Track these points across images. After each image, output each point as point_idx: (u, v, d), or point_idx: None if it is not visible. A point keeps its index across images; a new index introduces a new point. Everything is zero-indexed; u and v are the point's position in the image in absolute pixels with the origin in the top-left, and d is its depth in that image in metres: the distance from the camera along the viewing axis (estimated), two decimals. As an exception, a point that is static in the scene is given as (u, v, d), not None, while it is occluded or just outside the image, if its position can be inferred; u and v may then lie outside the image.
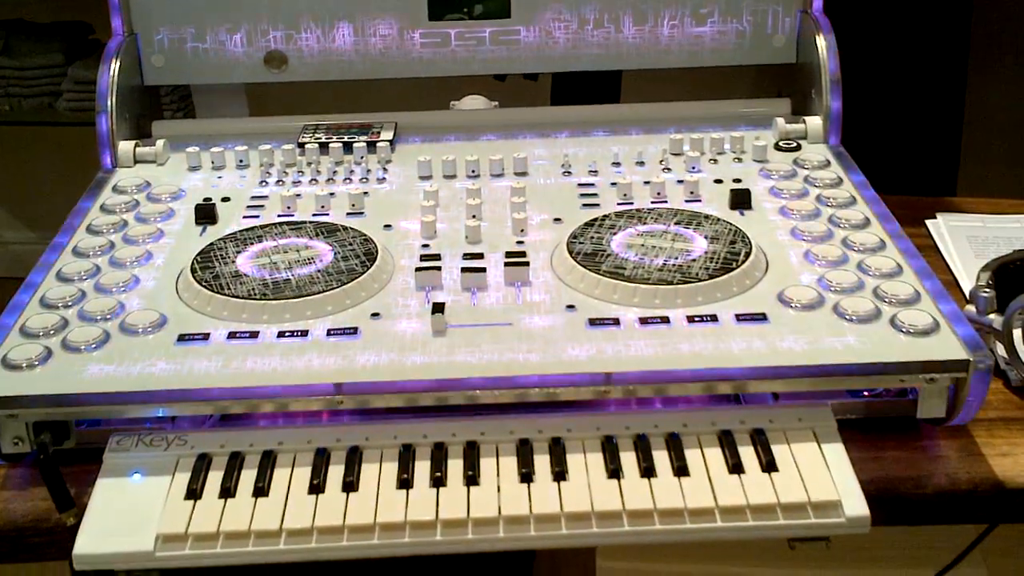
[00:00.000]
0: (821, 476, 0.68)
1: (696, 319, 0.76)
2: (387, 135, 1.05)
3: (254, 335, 0.76)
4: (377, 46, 1.10)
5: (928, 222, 1.06)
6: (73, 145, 2.63)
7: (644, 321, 0.76)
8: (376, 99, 1.23)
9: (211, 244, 0.87)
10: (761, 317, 0.76)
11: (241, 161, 1.02)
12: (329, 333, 0.76)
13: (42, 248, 0.88)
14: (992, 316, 0.82)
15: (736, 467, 0.69)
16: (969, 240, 1.02)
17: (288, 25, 1.09)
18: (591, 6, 1.09)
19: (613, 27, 1.09)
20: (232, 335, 0.76)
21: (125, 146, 1.03)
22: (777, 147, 1.01)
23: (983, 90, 2.16)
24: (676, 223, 0.87)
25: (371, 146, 1.04)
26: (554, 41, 1.10)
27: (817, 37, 1.04)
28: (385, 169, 1.01)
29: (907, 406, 0.76)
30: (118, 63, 1.04)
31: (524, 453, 0.71)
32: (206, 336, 0.76)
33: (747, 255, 0.81)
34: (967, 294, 0.88)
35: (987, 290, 0.83)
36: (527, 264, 0.82)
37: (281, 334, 0.76)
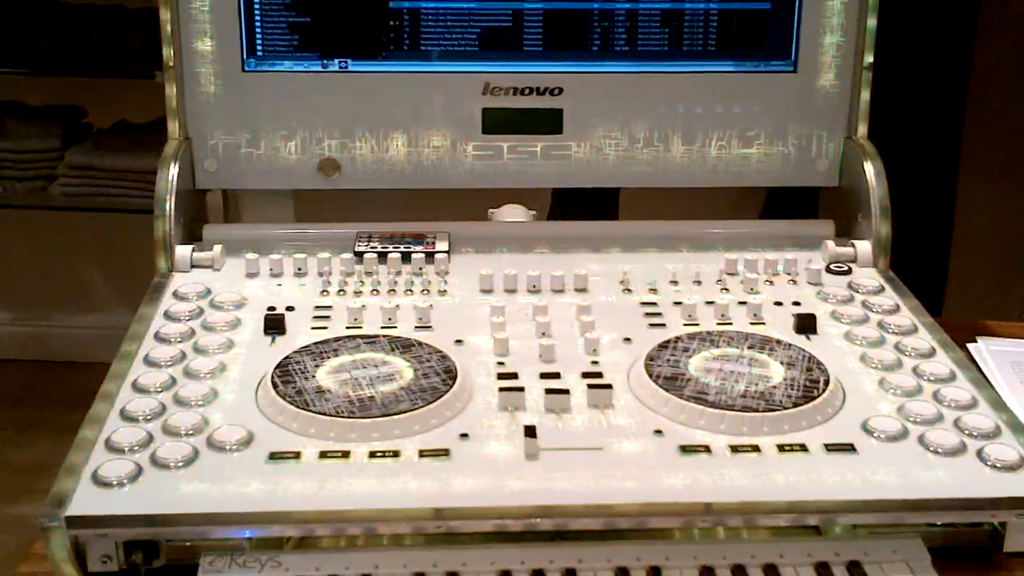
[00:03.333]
0: (923, 611, 0.69)
1: (786, 448, 0.77)
2: (442, 245, 1.06)
3: (346, 455, 0.76)
4: (430, 157, 1.11)
5: (970, 346, 1.08)
6: (65, 230, 2.63)
7: (735, 449, 0.77)
8: (416, 205, 1.25)
9: (287, 357, 0.86)
10: (850, 448, 0.77)
11: (299, 269, 1.02)
12: (421, 454, 0.76)
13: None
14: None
15: (838, 601, 0.70)
16: (1013, 366, 1.04)
17: (343, 133, 1.10)
18: (641, 125, 1.11)
19: (662, 146, 1.12)
20: (323, 454, 0.76)
21: (182, 251, 1.03)
22: (828, 270, 1.03)
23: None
24: (749, 347, 0.88)
25: (429, 256, 1.04)
26: (604, 157, 1.12)
27: (865, 163, 1.07)
28: (445, 280, 1.02)
29: (983, 536, 0.78)
30: (176, 168, 1.05)
31: (624, 582, 0.71)
32: (297, 455, 0.76)
33: (826, 383, 0.83)
34: (1024, 422, 0.90)
35: (1052, 421, 0.85)
36: (610, 387, 0.83)
37: (373, 454, 0.76)
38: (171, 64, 1.07)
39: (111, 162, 2.24)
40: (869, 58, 1.09)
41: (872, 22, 1.08)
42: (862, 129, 1.10)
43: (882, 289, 1.00)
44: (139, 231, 2.38)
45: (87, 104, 2.48)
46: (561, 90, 1.11)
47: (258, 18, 1.08)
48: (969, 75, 2.10)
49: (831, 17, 1.10)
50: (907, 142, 1.95)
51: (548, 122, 1.11)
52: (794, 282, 1.02)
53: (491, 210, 1.18)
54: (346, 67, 1.10)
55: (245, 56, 1.09)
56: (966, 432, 0.79)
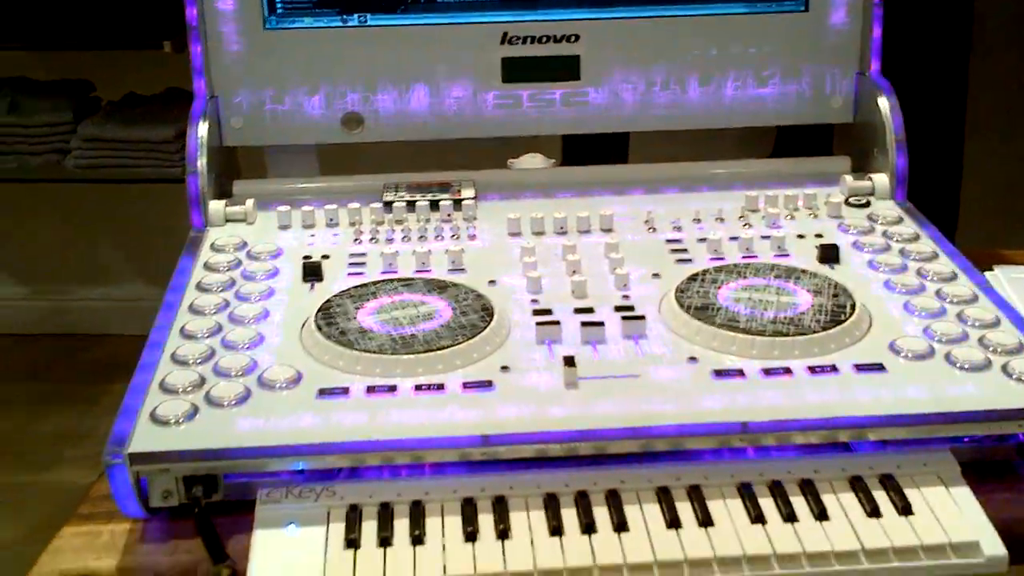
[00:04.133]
0: (956, 518, 0.72)
1: (817, 369, 0.80)
2: (468, 193, 1.09)
3: (392, 389, 0.79)
4: (451, 108, 1.13)
5: (987, 274, 1.10)
6: (80, 202, 2.65)
7: (767, 372, 0.79)
8: (437, 156, 1.27)
9: (328, 300, 0.89)
10: (879, 367, 0.80)
11: (332, 220, 1.05)
12: (465, 387, 0.79)
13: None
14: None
15: (874, 511, 0.72)
16: (1030, 291, 1.06)
17: (366, 87, 1.12)
18: (658, 69, 1.13)
19: (679, 88, 1.14)
20: (371, 389, 0.78)
21: (215, 206, 1.05)
22: (847, 203, 1.06)
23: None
24: (776, 277, 0.91)
25: (456, 204, 1.07)
26: (622, 103, 1.14)
27: (879, 98, 1.09)
28: (473, 226, 1.04)
29: (1007, 451, 0.80)
30: (205, 125, 1.07)
31: (667, 500, 0.73)
32: (346, 391, 0.79)
33: (852, 307, 0.86)
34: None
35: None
36: (643, 318, 0.85)
37: (418, 387, 0.79)
38: (194, 24, 1.09)
39: (123, 133, 2.25)
40: (880, -6, 1.11)
41: (882, -41, 1.10)
42: (875, 65, 1.12)
43: (901, 219, 1.02)
44: (154, 200, 2.42)
45: (95, 78, 2.50)
46: (578, 37, 1.12)
47: (277, -24, 1.10)
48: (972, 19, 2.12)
49: (842, -45, 1.11)
50: (915, 78, 1.96)
51: (566, 69, 1.13)
52: (815, 216, 1.04)
53: (510, 160, 1.20)
54: (365, 22, 1.12)
55: (266, 14, 1.11)
56: (991, 349, 0.81)
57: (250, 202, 1.06)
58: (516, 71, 1.13)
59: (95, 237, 2.74)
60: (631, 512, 0.73)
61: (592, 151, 2.00)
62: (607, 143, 1.96)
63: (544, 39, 1.12)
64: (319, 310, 0.87)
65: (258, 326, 0.87)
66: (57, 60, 2.46)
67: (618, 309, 0.88)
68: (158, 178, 2.26)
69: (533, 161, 1.19)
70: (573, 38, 1.13)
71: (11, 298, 2.80)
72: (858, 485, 0.74)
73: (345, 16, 1.12)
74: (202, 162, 1.06)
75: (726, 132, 1.17)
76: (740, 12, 1.13)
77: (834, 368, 0.80)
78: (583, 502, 0.74)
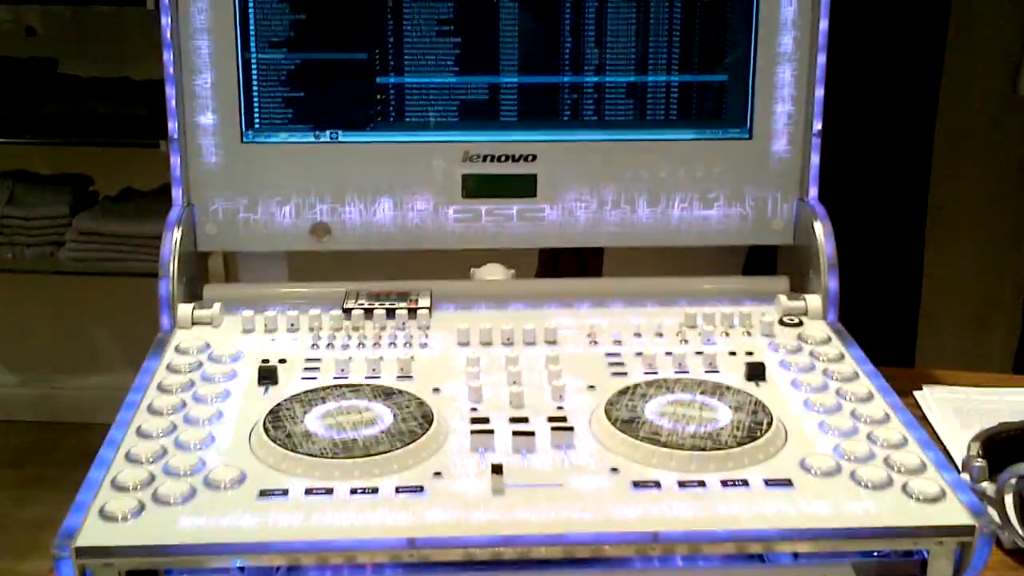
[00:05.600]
0: (849, 629, 0.76)
1: (729, 483, 0.85)
2: (424, 302, 1.15)
3: (329, 491, 0.84)
4: (414, 220, 1.20)
5: (916, 393, 1.16)
6: (72, 293, 2.72)
7: (682, 484, 0.84)
8: (404, 262, 1.33)
9: (278, 404, 0.94)
10: (787, 483, 0.85)
11: (292, 325, 1.10)
12: (398, 491, 0.84)
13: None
14: (985, 484, 0.92)
15: (774, 620, 0.77)
16: (955, 412, 1.12)
17: (334, 199, 1.19)
18: (610, 189, 1.20)
19: (629, 208, 1.21)
20: (309, 491, 0.84)
21: (184, 309, 1.11)
22: (781, 322, 1.12)
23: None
24: (702, 393, 0.96)
25: (411, 312, 1.13)
26: (575, 220, 1.21)
27: (814, 223, 1.15)
28: (426, 335, 1.10)
29: (912, 567, 0.85)
30: (179, 232, 1.13)
31: (580, 605, 0.78)
32: (286, 492, 0.84)
33: (769, 424, 0.91)
34: (959, 463, 0.98)
35: (979, 460, 0.93)
36: (572, 429, 0.91)
37: (354, 491, 0.84)
38: (175, 137, 1.16)
39: (117, 227, 2.33)
40: (818, 125, 1.18)
41: (820, 92, 1.17)
42: (813, 191, 1.19)
43: (829, 340, 1.08)
44: (144, 294, 2.48)
45: (94, 172, 2.59)
46: (535, 157, 1.20)
47: (256, 94, 1.18)
48: (934, 133, 2.20)
49: (783, 88, 1.19)
50: (875, 200, 2.05)
51: (523, 187, 1.20)
52: (748, 333, 1.10)
53: (473, 268, 1.26)
54: (337, 138, 1.19)
55: (244, 128, 1.18)
56: (894, 468, 0.86)
57: (217, 306, 1.12)
58: (476, 187, 1.20)
59: (86, 327, 2.80)
60: (545, 615, 0.77)
61: (568, 259, 2.09)
62: (584, 250, 2.04)
63: (503, 158, 1.19)
64: (269, 413, 0.93)
65: (211, 427, 0.92)
66: (58, 154, 2.56)
67: (551, 420, 0.93)
68: (149, 272, 2.32)
69: (494, 271, 1.25)
70: (531, 158, 1.20)
71: (1, 385, 2.86)
72: (761, 595, 0.79)
73: (318, 132, 1.19)
74: (174, 267, 1.12)
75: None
76: (688, 138, 1.20)
77: (745, 482, 0.85)
78: (501, 605, 0.78)
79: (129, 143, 2.29)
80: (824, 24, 1.16)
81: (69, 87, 2.44)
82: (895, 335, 2.06)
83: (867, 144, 2.04)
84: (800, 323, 1.11)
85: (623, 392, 0.97)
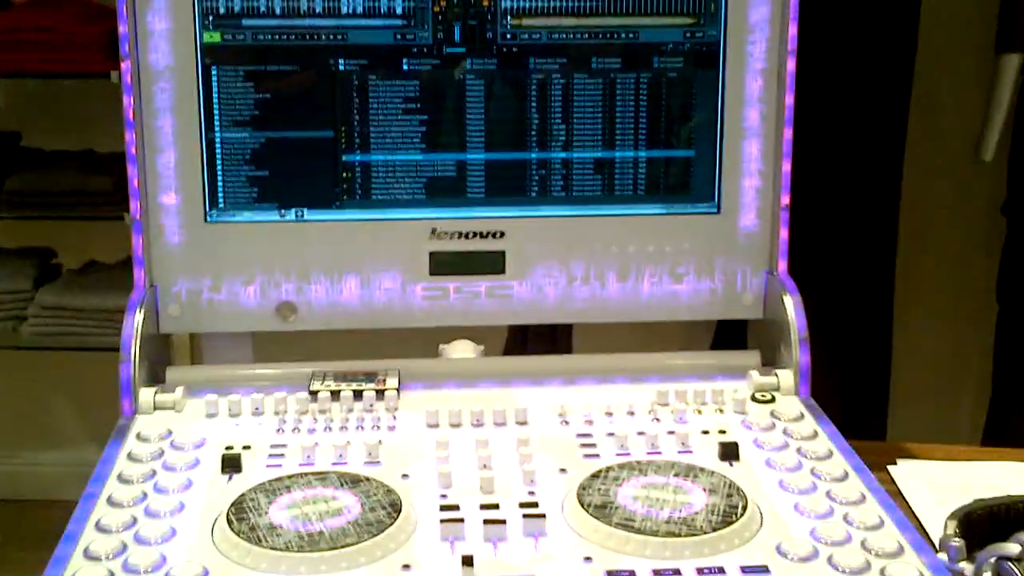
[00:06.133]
0: None
1: (705, 570, 0.83)
2: (392, 382, 1.13)
3: (295, 587, 0.81)
4: (381, 299, 1.19)
5: (891, 468, 1.15)
6: (34, 368, 2.68)
7: (657, 573, 0.83)
8: (370, 340, 1.31)
9: (242, 495, 0.92)
10: (763, 569, 0.83)
11: (257, 408, 1.08)
12: (366, 585, 0.82)
13: None
14: (963, 564, 0.91)
15: None
16: (929, 486, 1.11)
17: (300, 278, 1.18)
18: (578, 265, 1.19)
19: (599, 283, 1.20)
20: (274, 587, 0.81)
21: (146, 393, 1.09)
22: (753, 399, 1.10)
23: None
24: (675, 475, 0.95)
25: (379, 394, 1.11)
26: (544, 296, 1.20)
27: (784, 297, 1.15)
28: (394, 417, 1.08)
29: (894, 653, 0.83)
30: (141, 314, 1.11)
31: None
32: (249, 588, 0.81)
33: (744, 508, 0.89)
34: (935, 541, 0.96)
35: (957, 540, 0.92)
36: (543, 516, 0.89)
37: (320, 586, 0.81)
38: (137, 217, 1.15)
39: (81, 302, 2.30)
40: (785, 199, 1.18)
41: (787, 167, 1.17)
42: (782, 265, 1.18)
43: (802, 417, 1.07)
44: (108, 368, 2.44)
45: (58, 245, 2.56)
46: (503, 233, 1.19)
47: (220, 173, 1.16)
48: (899, 203, 2.22)
49: (750, 163, 1.19)
50: (842, 273, 2.06)
51: (491, 264, 1.19)
52: (721, 411, 1.09)
53: (441, 345, 1.25)
54: (302, 216, 1.18)
55: (208, 208, 1.16)
56: (871, 552, 0.85)
57: (179, 390, 1.10)
58: (443, 265, 1.18)
59: (48, 402, 2.75)
60: None
61: (538, 333, 2.07)
62: (554, 326, 2.02)
63: (471, 235, 1.19)
64: (232, 504, 0.90)
65: (172, 520, 0.89)
66: (21, 227, 2.53)
67: (522, 505, 0.91)
68: (113, 347, 2.29)
69: (463, 347, 1.24)
70: (498, 234, 1.19)
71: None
72: None
73: (283, 211, 1.18)
74: (135, 350, 1.10)
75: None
76: (656, 213, 1.20)
77: (721, 570, 0.83)
78: None
79: (93, 217, 2.27)
80: (789, 99, 1.16)
81: (32, 160, 2.42)
82: (866, 407, 2.06)
83: (833, 217, 2.05)
84: (772, 399, 1.10)
85: (595, 475, 0.95)
